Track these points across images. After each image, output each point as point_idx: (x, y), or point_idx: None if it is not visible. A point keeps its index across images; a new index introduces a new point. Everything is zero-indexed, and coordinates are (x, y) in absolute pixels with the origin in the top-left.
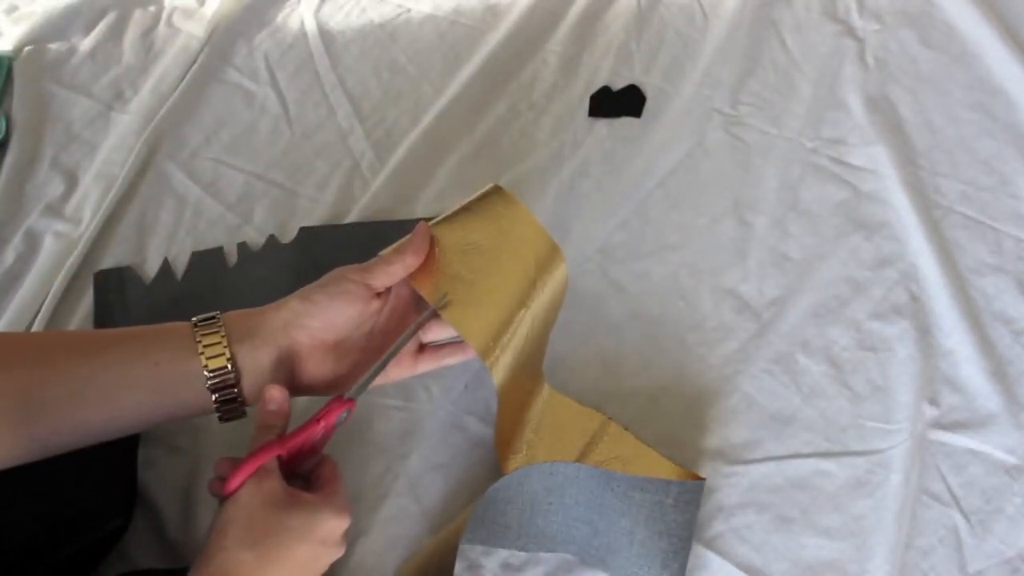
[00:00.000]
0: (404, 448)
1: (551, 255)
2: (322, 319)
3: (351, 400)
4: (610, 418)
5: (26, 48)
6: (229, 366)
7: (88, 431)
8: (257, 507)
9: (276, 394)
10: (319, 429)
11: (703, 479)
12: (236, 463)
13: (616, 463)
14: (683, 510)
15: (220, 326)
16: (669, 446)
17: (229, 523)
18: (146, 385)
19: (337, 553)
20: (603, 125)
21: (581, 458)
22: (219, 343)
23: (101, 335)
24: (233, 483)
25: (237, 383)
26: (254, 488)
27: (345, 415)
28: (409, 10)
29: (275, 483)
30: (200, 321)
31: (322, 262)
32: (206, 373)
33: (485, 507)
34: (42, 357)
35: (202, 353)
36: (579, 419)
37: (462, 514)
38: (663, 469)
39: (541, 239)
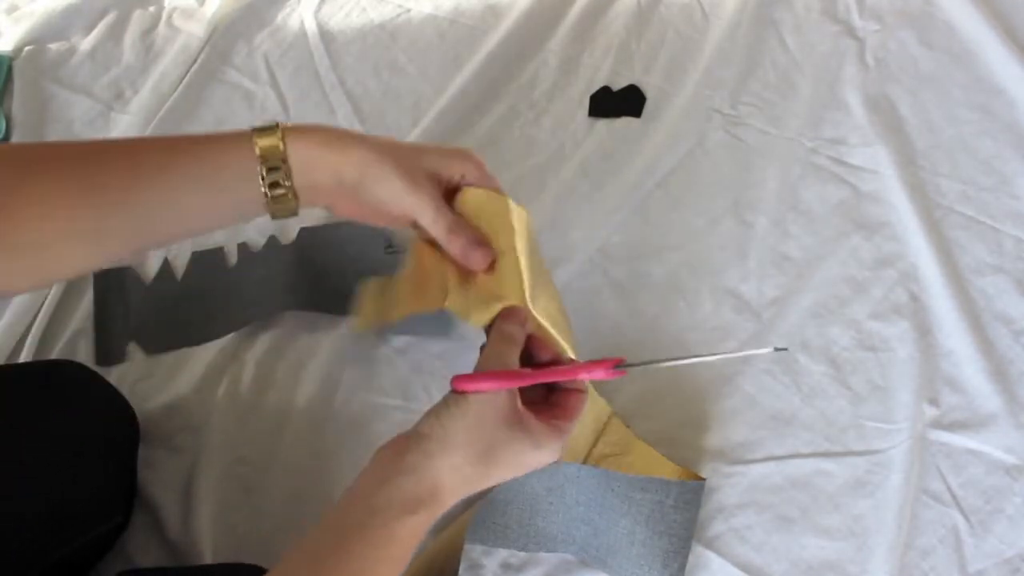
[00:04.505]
0: None
1: (511, 211)
2: (365, 209)
3: (624, 371)
4: (615, 412)
5: (26, 48)
6: (287, 193)
7: (148, 246)
8: (487, 422)
9: (520, 317)
10: (576, 377)
11: (703, 479)
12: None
13: (614, 460)
14: (683, 510)
15: (287, 172)
16: (669, 446)
17: (455, 430)
18: (207, 209)
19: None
20: (603, 125)
21: (590, 448)
22: (282, 177)
23: (158, 154)
24: (470, 386)
25: (294, 212)
26: (490, 398)
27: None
28: (409, 10)
29: (510, 400)
30: (265, 160)
31: (322, 262)
32: (264, 202)
33: (486, 507)
34: (109, 183)
35: (262, 186)
36: (593, 406)
37: (464, 515)
38: (662, 467)
39: (500, 204)
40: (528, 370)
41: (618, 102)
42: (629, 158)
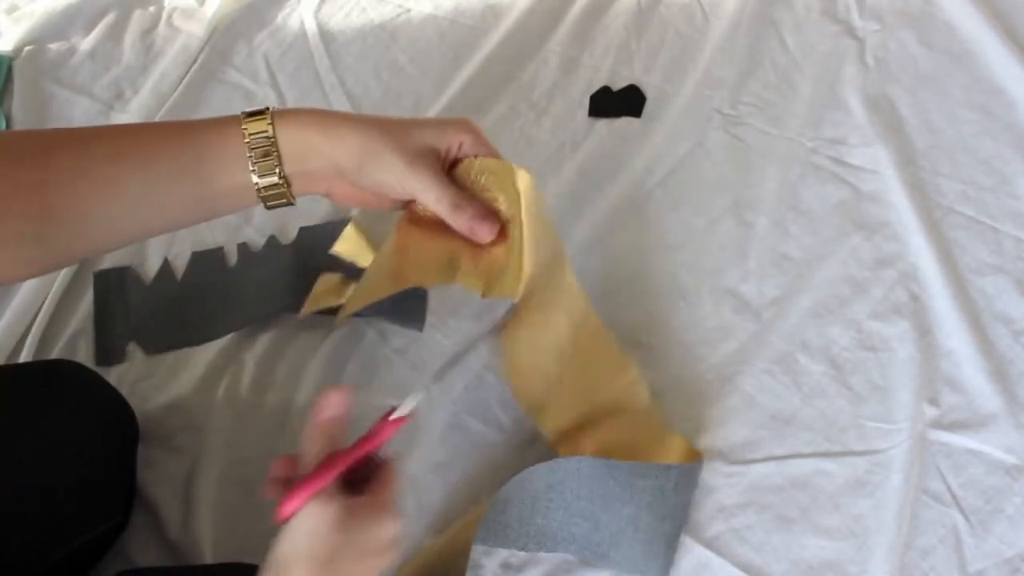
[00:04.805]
0: (404, 448)
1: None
2: (365, 194)
3: (405, 418)
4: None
5: (26, 48)
6: (279, 181)
7: (135, 236)
8: (320, 534)
9: (336, 400)
10: (376, 447)
11: (701, 457)
12: (296, 463)
13: (622, 418)
14: (682, 493)
15: (274, 152)
16: None
17: (293, 559)
18: (195, 199)
19: (390, 557)
20: (603, 125)
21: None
22: (272, 163)
23: (145, 141)
24: (289, 508)
25: (289, 201)
26: (318, 512)
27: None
28: (409, 10)
29: (336, 506)
30: (254, 145)
31: (322, 262)
32: (255, 189)
33: (487, 508)
34: (94, 172)
35: (253, 173)
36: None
37: (468, 515)
38: (658, 431)
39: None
40: (335, 458)
41: (618, 102)
42: (629, 158)
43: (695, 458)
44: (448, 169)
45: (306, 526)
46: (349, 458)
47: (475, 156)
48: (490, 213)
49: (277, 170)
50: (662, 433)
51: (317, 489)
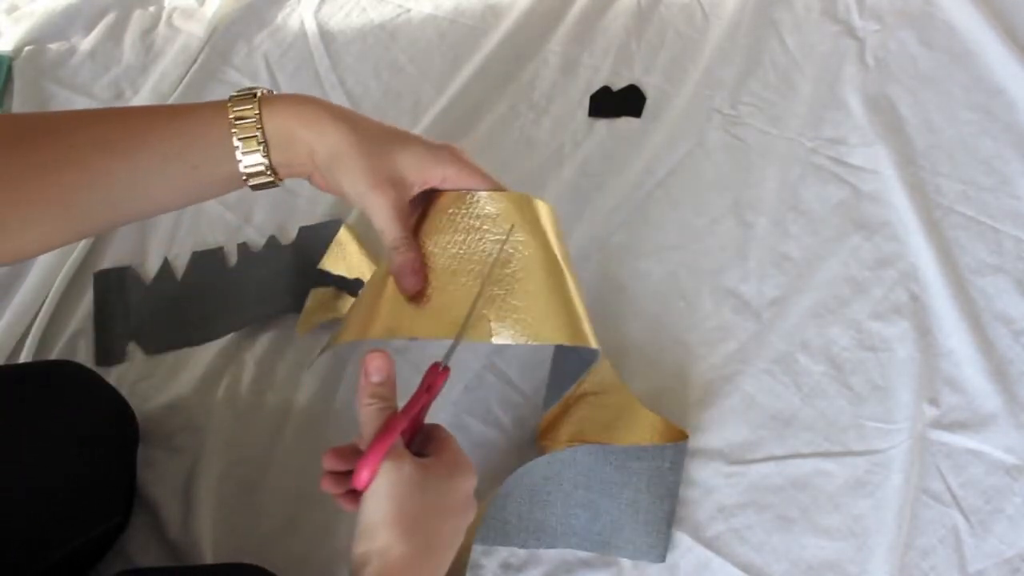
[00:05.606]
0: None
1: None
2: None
3: (448, 368)
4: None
5: (26, 48)
6: (265, 169)
7: (122, 221)
8: (401, 495)
9: (381, 363)
10: (429, 399)
11: (685, 432)
12: (349, 452)
13: (595, 399)
14: (677, 471)
15: (261, 140)
16: None
17: (379, 523)
18: (183, 185)
19: (472, 514)
20: (603, 125)
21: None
22: (257, 150)
23: (131, 128)
24: (365, 475)
25: (276, 184)
26: (393, 475)
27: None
28: (409, 10)
29: (410, 463)
30: (241, 135)
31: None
32: (242, 177)
33: (487, 505)
34: (80, 160)
35: (240, 162)
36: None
37: None
38: (642, 415)
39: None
40: (394, 419)
41: (618, 102)
42: (629, 158)
43: (679, 435)
44: (432, 197)
45: (385, 489)
46: (409, 413)
47: (468, 192)
48: (421, 268)
49: (264, 157)
50: (636, 410)
51: (387, 447)
